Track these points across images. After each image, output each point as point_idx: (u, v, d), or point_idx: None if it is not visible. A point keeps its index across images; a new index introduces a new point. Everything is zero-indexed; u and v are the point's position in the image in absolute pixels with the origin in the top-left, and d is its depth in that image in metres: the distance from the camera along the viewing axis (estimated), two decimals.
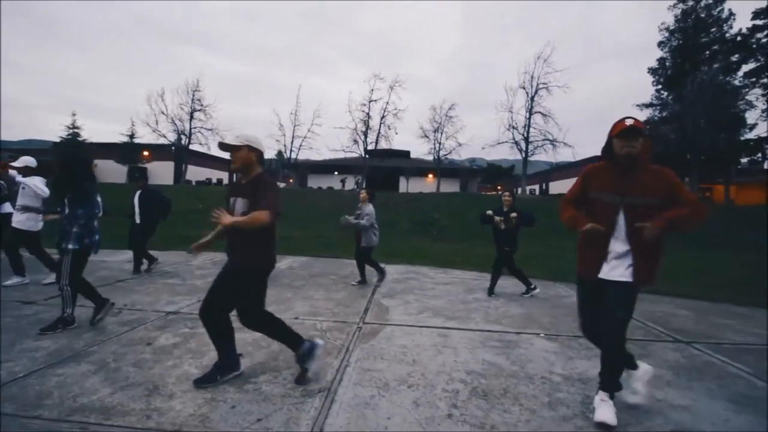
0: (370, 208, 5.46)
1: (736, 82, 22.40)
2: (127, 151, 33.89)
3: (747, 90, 21.67)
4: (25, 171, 4.60)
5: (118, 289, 4.83)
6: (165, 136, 31.23)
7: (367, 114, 29.09)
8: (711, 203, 24.15)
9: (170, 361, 2.66)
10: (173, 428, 1.87)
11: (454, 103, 30.54)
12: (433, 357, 2.88)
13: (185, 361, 2.68)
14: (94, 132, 53.22)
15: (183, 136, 31.50)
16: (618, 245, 2.05)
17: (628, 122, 1.98)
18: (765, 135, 20.97)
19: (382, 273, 5.59)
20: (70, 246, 3.18)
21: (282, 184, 52.89)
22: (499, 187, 62.42)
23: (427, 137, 30.91)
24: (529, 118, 27.27)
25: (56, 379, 2.35)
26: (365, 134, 29.33)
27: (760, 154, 22.67)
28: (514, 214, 4.86)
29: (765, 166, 24.42)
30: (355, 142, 29.89)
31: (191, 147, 32.19)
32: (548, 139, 26.95)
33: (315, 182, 41.63)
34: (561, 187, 39.40)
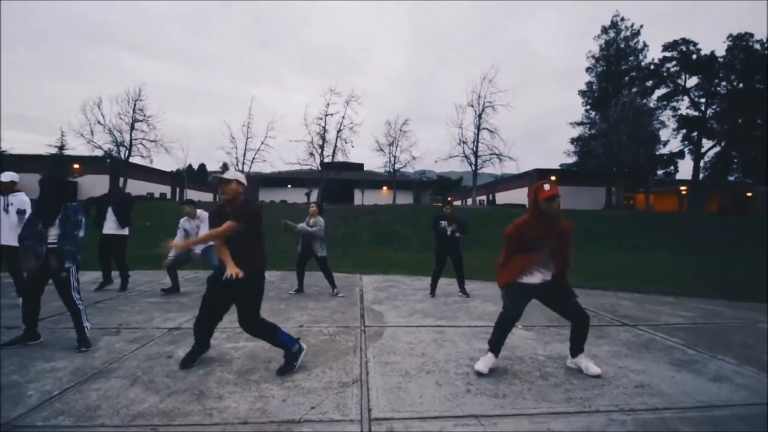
0: (321, 221, 5.65)
1: (651, 105, 25.77)
2: (56, 164, 31.02)
3: (660, 111, 25.01)
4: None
5: (101, 309, 4.72)
6: (101, 148, 29.10)
7: (324, 128, 29.32)
8: (634, 210, 27.25)
9: (201, 371, 2.83)
10: (239, 421, 2.11)
11: (408, 118, 31.77)
12: (438, 349, 3.31)
13: (215, 369, 2.86)
14: (15, 142, 47.61)
15: (122, 148, 29.56)
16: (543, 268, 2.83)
17: (546, 187, 2.72)
18: (676, 150, 24.24)
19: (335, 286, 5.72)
20: (68, 264, 3.24)
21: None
22: (449, 198, 65.17)
23: (383, 151, 31.76)
24: (478, 134, 29.10)
25: (96, 393, 2.45)
26: (322, 147, 29.49)
27: (672, 167, 26.11)
28: (453, 226, 5.55)
29: (676, 177, 28.07)
30: (311, 155, 29.94)
31: (131, 160, 30.27)
32: (495, 153, 28.89)
33: (267, 195, 40.74)
34: (506, 197, 42.14)
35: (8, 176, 4.42)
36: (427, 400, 2.36)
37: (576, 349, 2.88)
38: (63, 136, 30.94)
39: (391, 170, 32.42)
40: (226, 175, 2.82)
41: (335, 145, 29.81)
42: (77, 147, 29.81)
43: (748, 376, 2.83)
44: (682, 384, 2.66)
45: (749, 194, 27.00)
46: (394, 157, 31.83)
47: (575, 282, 7.06)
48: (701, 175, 26.74)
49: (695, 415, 2.22)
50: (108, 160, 31.64)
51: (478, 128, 29.31)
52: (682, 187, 30.34)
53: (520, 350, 3.31)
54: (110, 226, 5.77)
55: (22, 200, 4.41)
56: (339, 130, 29.60)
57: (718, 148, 26.35)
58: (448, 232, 5.52)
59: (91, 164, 32.20)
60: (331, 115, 29.43)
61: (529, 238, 2.79)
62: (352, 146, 30.27)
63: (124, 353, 3.18)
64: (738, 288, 6.63)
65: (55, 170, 28.07)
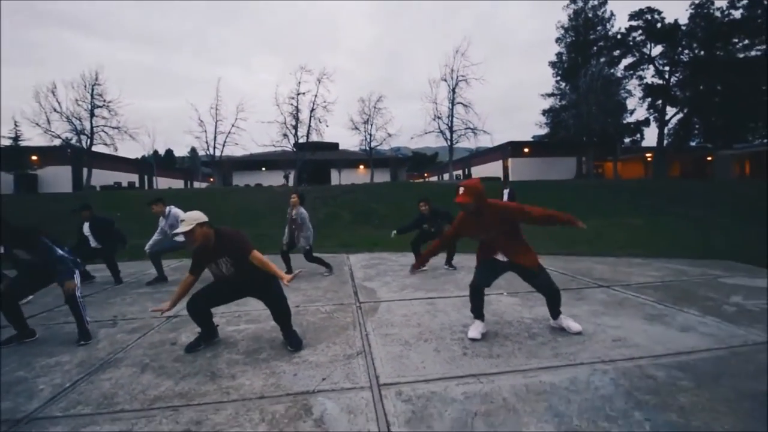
0: (303, 212, 5.63)
1: (618, 74, 26.42)
2: (12, 157, 29.11)
3: (627, 81, 25.70)
4: None
5: (91, 303, 4.64)
6: (60, 137, 27.49)
7: (296, 107, 28.64)
8: (603, 178, 28.31)
9: (208, 353, 2.92)
10: (256, 396, 2.24)
11: (382, 95, 31.36)
12: (432, 319, 3.51)
13: (221, 351, 2.96)
14: None
15: (83, 137, 28.01)
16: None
17: (460, 191, 2.89)
18: (642, 119, 25.13)
19: (329, 267, 5.82)
20: (75, 281, 3.29)
21: (203, 185, 49.57)
22: (425, 174, 65.48)
23: (358, 129, 31.42)
24: (452, 109, 29.15)
25: (108, 382, 2.51)
26: (295, 128, 28.89)
27: (638, 135, 27.13)
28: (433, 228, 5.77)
29: (642, 145, 29.20)
30: (285, 135, 29.32)
31: (94, 149, 28.78)
32: (470, 128, 29.12)
33: (241, 179, 39.74)
34: (481, 171, 42.72)
35: None
36: (428, 364, 2.56)
37: (554, 313, 3.16)
38: (17, 126, 28.94)
39: (368, 148, 32.24)
40: (184, 229, 2.74)
41: (309, 125, 29.28)
42: (33, 138, 28.07)
43: (711, 325, 3.17)
44: (654, 335, 2.96)
45: (709, 158, 28.50)
46: (370, 135, 31.62)
47: (552, 248, 7.48)
48: (665, 142, 27.94)
49: (667, 362, 2.50)
50: (68, 150, 29.99)
51: (453, 103, 29.39)
52: (648, 154, 31.65)
53: (508, 315, 3.56)
54: (93, 242, 5.62)
55: None
56: (312, 109, 29.03)
57: (681, 115, 27.52)
58: (432, 230, 5.73)
59: (50, 155, 30.46)
60: (303, 93, 28.76)
61: (471, 234, 3.10)
62: (327, 125, 29.77)
63: (126, 343, 3.22)
64: (699, 247, 7.18)
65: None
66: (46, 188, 30.11)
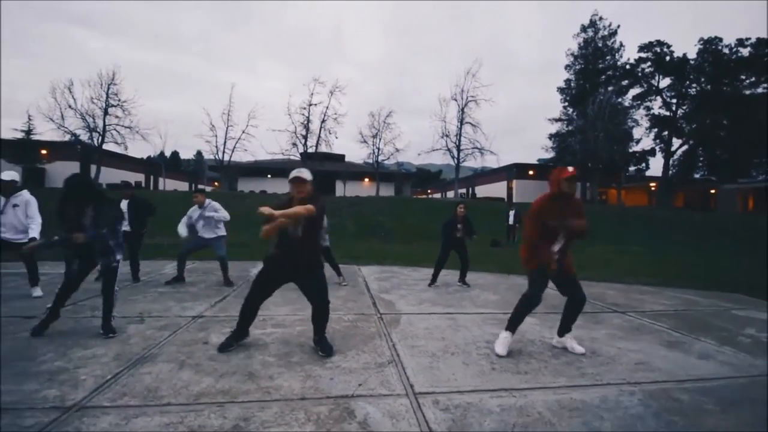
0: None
1: (626, 104, 26.89)
2: (22, 150, 29.43)
3: (634, 110, 26.14)
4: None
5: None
6: (73, 133, 27.83)
7: (307, 117, 29.07)
8: (606, 205, 28.50)
9: (241, 354, 3.00)
10: (297, 397, 2.32)
11: (392, 110, 31.86)
12: (455, 334, 3.60)
13: (254, 353, 3.04)
14: None
15: (95, 134, 28.36)
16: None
17: (570, 168, 3.01)
18: (648, 148, 25.46)
19: (341, 274, 6.00)
20: (118, 257, 3.35)
21: (208, 189, 49.80)
22: (429, 191, 65.86)
23: (366, 142, 31.80)
24: (461, 128, 29.57)
25: (149, 376, 2.59)
26: (305, 138, 29.26)
27: (643, 164, 27.44)
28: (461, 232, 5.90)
29: (647, 174, 29.50)
30: (294, 145, 29.68)
31: (104, 147, 29.10)
32: (477, 147, 29.48)
33: (246, 185, 40.03)
34: (485, 191, 43.00)
35: (9, 175, 4.48)
36: (459, 377, 2.64)
37: (565, 328, 3.23)
38: (30, 120, 29.34)
39: (375, 162, 32.56)
40: (304, 176, 2.99)
41: (319, 136, 29.67)
42: (45, 132, 28.43)
43: (728, 354, 3.25)
44: (675, 361, 3.04)
45: (713, 191, 28.72)
46: (378, 149, 31.99)
47: None
48: (670, 173, 28.24)
49: (690, 386, 2.58)
50: (78, 147, 30.30)
51: (461, 122, 29.82)
52: (652, 184, 31.92)
53: (530, 334, 3.64)
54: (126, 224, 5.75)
55: (27, 200, 4.53)
56: (323, 120, 29.46)
57: (686, 147, 27.88)
58: (458, 235, 5.84)
59: (60, 150, 30.79)
60: (315, 104, 29.25)
61: (551, 217, 3.01)
62: (336, 137, 30.17)
63: (158, 340, 3.30)
64: (706, 278, 7.27)
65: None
66: (54, 183, 30.35)
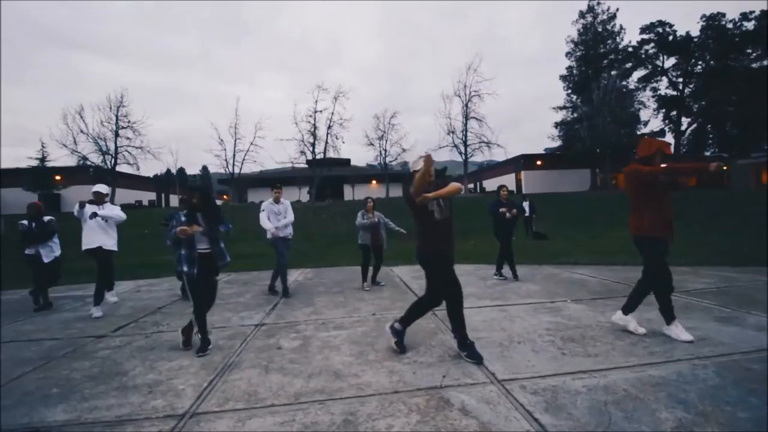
0: (379, 215, 6.18)
1: (631, 86, 26.74)
2: (37, 177, 30.12)
3: (639, 93, 25.99)
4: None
5: (167, 314, 4.94)
6: (86, 158, 28.41)
7: (314, 125, 29.34)
8: (618, 189, 28.33)
9: (318, 356, 3.16)
10: (391, 390, 2.46)
11: (396, 111, 32.02)
12: (512, 324, 3.73)
13: (329, 354, 3.19)
14: None
15: (108, 157, 28.92)
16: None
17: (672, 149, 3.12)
18: (657, 130, 25.32)
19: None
20: (225, 261, 3.56)
21: (218, 202, 50.28)
22: (504, 186, 65.70)
23: (373, 144, 31.99)
24: (466, 123, 29.63)
25: (242, 382, 2.75)
26: (313, 145, 29.53)
27: None
28: (514, 210, 5.99)
29: None
30: (303, 153, 29.96)
31: (118, 168, 29.66)
32: (484, 142, 29.52)
33: (256, 196, 40.41)
34: (493, 184, 42.89)
35: (103, 188, 5.22)
36: (534, 363, 2.77)
37: (630, 305, 3.36)
38: (44, 147, 30.03)
39: (382, 164, 32.73)
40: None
41: (326, 142, 29.92)
42: (59, 158, 29.05)
43: None
44: (733, 335, 3.15)
45: (725, 168, 28.40)
46: (385, 150, 32.16)
47: (590, 259, 7.64)
48: (682, 152, 28.04)
49: (756, 356, 2.69)
50: (91, 170, 30.88)
51: (466, 117, 29.89)
52: (663, 165, 31.58)
53: (584, 320, 3.76)
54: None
55: (113, 210, 5.20)
56: (329, 126, 29.71)
57: (695, 125, 27.66)
58: (507, 216, 5.97)
59: (74, 175, 31.41)
60: (320, 111, 29.52)
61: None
62: (343, 142, 30.42)
63: (233, 349, 3.47)
64: (735, 255, 7.31)
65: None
66: (67, 207, 30.97)
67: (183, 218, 3.42)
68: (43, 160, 30.44)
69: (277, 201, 5.66)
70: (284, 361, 3.10)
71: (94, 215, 5.01)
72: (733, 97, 24.36)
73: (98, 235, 5.06)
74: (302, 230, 14.27)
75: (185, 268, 3.39)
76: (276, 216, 5.58)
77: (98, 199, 5.14)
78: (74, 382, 2.90)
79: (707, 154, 29.96)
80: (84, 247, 5.05)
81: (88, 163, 28.49)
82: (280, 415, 2.25)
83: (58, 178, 31.68)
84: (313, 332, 3.82)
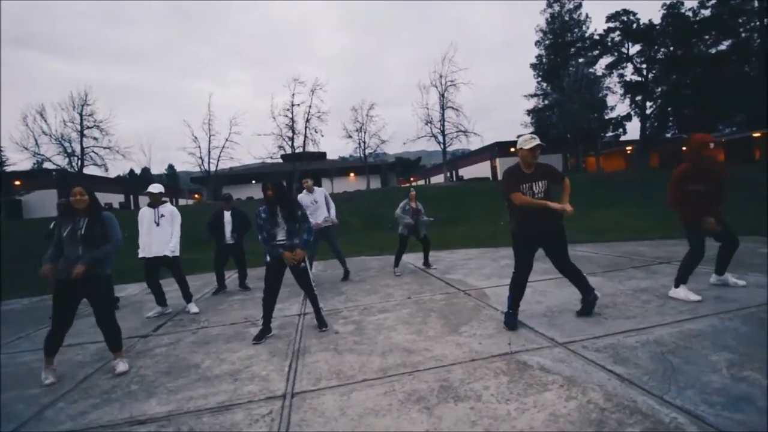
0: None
1: (599, 73, 27.94)
2: None
3: (606, 79, 27.21)
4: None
5: (204, 311, 4.97)
6: (50, 160, 26.88)
7: (291, 119, 28.94)
8: (586, 172, 29.71)
9: (380, 336, 3.37)
10: (468, 359, 2.72)
11: (374, 102, 32.01)
12: (546, 297, 4.07)
13: (391, 334, 3.39)
14: None
15: (74, 158, 27.44)
16: None
17: (711, 145, 3.51)
18: (624, 114, 26.65)
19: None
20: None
21: (189, 202, 48.69)
22: (411, 179, 66.39)
23: (351, 137, 31.93)
24: (443, 113, 30.06)
25: (321, 364, 2.90)
26: (291, 139, 29.17)
27: (621, 129, 28.71)
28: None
29: (625, 139, 30.83)
30: (281, 147, 29.54)
31: (85, 170, 28.21)
32: (461, 131, 30.07)
33: (233, 193, 39.43)
34: (470, 172, 43.83)
35: (157, 188, 4.71)
36: (583, 328, 3.10)
37: (723, 268, 3.91)
38: (1, 151, 28.12)
39: (362, 156, 32.76)
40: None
41: (305, 135, 29.63)
42: (21, 162, 27.38)
43: None
44: (743, 291, 3.62)
45: (684, 148, 30.29)
46: (364, 142, 32.18)
47: (586, 237, 8.17)
48: (647, 134, 29.68)
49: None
50: (53, 173, 29.25)
51: (443, 107, 30.33)
52: (628, 147, 33.39)
53: (607, 290, 4.15)
54: (229, 236, 5.90)
55: (171, 211, 4.79)
56: (307, 120, 29.41)
57: (656, 109, 29.32)
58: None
59: (37, 179, 29.66)
60: (298, 105, 29.14)
61: (698, 182, 3.58)
62: (322, 135, 30.19)
63: (291, 337, 3.62)
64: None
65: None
66: (33, 214, 29.28)
67: (263, 214, 3.59)
68: (1, 164, 28.52)
69: (310, 191, 5.79)
70: (349, 343, 3.29)
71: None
72: (688, 81, 26.01)
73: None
74: None
75: (267, 258, 3.65)
76: (307, 208, 5.73)
77: (154, 201, 4.76)
78: (149, 378, 2.97)
79: (668, 135, 31.87)
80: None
81: (42, 165, 26.99)
82: (378, 387, 2.46)
83: (17, 183, 29.81)
84: (360, 317, 4.02)
